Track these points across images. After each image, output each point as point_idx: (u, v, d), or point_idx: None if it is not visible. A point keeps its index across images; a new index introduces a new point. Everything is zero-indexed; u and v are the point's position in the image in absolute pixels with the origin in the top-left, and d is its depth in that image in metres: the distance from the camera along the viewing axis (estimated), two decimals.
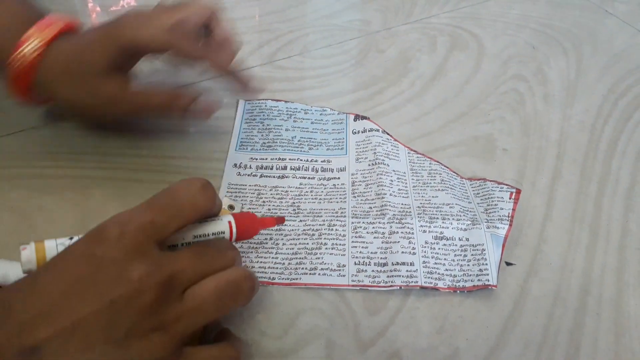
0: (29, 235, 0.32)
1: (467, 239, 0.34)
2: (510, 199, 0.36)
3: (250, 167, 0.39)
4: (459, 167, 0.42)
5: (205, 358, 0.24)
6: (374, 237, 0.34)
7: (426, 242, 0.34)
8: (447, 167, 0.40)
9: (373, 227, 0.35)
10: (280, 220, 0.31)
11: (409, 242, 0.34)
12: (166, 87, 0.39)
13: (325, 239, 0.34)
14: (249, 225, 0.28)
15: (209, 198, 0.25)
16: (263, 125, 0.43)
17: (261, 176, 0.38)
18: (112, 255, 0.22)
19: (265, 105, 0.44)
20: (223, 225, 0.27)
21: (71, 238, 0.25)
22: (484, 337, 0.31)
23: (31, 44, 0.34)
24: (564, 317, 0.33)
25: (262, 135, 0.42)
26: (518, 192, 0.37)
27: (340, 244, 0.34)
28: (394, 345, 0.31)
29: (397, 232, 0.34)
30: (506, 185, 0.38)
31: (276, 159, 0.40)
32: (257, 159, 0.39)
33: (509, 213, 0.36)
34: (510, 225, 0.35)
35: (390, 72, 0.51)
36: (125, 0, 0.57)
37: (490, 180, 0.39)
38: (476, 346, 0.31)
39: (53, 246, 0.25)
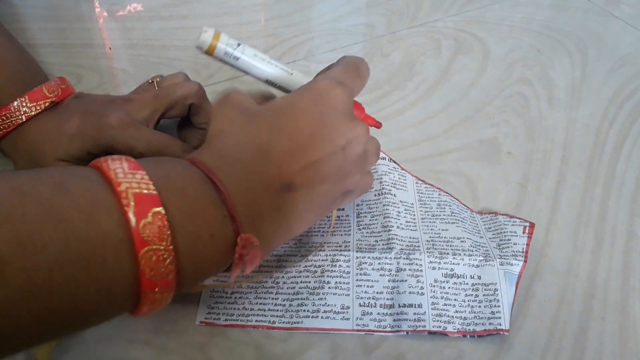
0: None
1: (479, 277, 0.33)
2: (524, 233, 0.35)
3: None
4: (465, 171, 0.42)
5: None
6: (380, 275, 0.33)
7: (435, 281, 0.33)
8: (457, 200, 0.39)
9: (379, 263, 0.33)
10: (378, 124, 0.35)
11: (417, 281, 0.32)
12: None
13: (328, 276, 0.33)
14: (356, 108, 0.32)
15: None
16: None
17: None
18: (340, 114, 0.27)
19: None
20: None
21: (239, 44, 0.37)
22: (489, 340, 0.31)
23: (13, 114, 0.33)
24: (568, 321, 0.33)
25: None
26: (532, 225, 0.35)
27: (344, 283, 0.33)
28: (399, 348, 0.31)
29: (405, 269, 0.33)
30: (519, 219, 0.37)
31: None
32: None
33: (523, 248, 0.34)
34: (525, 261, 0.33)
35: (395, 76, 0.51)
36: (132, 5, 0.58)
37: (502, 214, 0.37)
38: (480, 349, 0.31)
39: (224, 42, 0.37)
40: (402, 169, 0.40)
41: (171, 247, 0.20)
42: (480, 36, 0.58)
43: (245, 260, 0.23)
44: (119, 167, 0.20)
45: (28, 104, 0.34)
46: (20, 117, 0.34)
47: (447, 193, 0.39)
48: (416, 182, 0.40)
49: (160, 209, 0.20)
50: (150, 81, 0.39)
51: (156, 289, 0.20)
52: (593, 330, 0.32)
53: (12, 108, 0.33)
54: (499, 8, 0.63)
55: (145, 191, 0.20)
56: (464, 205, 0.39)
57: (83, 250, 0.18)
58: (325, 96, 0.27)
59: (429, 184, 0.40)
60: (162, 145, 0.35)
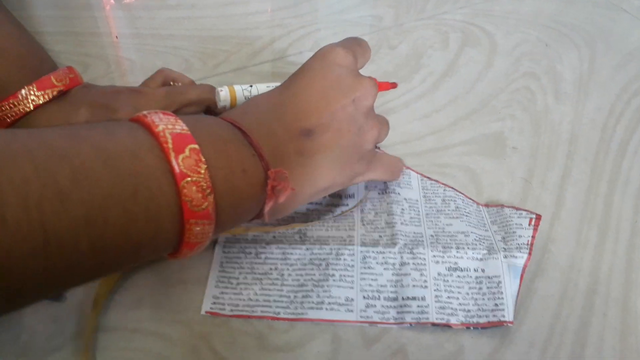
0: None
1: (483, 270, 0.33)
2: (530, 225, 0.35)
3: None
4: (469, 165, 0.42)
5: (386, 157, 0.36)
6: (384, 269, 0.33)
7: (439, 274, 0.33)
8: (462, 193, 0.39)
9: (383, 257, 0.34)
10: (394, 85, 0.38)
11: (421, 275, 0.33)
12: None
13: (332, 269, 0.33)
14: None
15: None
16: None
17: None
18: (348, 70, 0.30)
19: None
20: None
21: (251, 86, 0.39)
22: (489, 334, 0.32)
23: (21, 102, 0.33)
24: (570, 316, 0.33)
25: None
26: (538, 217, 0.35)
27: (348, 276, 0.33)
28: (399, 340, 0.31)
29: (409, 263, 0.33)
30: (525, 210, 0.37)
31: None
32: None
33: (528, 241, 0.34)
34: (530, 254, 0.33)
35: (402, 68, 0.51)
36: None
37: (508, 206, 0.37)
38: (481, 343, 0.31)
39: (240, 90, 0.39)
40: (407, 167, 0.40)
41: (208, 178, 0.22)
42: (487, 29, 0.57)
43: (278, 191, 0.26)
44: (154, 115, 0.23)
45: (36, 92, 0.34)
46: (28, 105, 0.34)
47: (452, 188, 0.39)
48: (421, 179, 0.40)
49: (195, 145, 0.22)
50: (165, 76, 0.40)
51: (197, 220, 0.22)
52: (594, 326, 0.32)
53: (19, 96, 0.33)
54: (507, 1, 0.63)
55: (180, 131, 0.22)
56: (470, 198, 0.39)
57: (131, 183, 0.20)
58: (329, 55, 0.30)
59: (433, 180, 0.40)
60: (181, 92, 0.36)
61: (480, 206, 0.38)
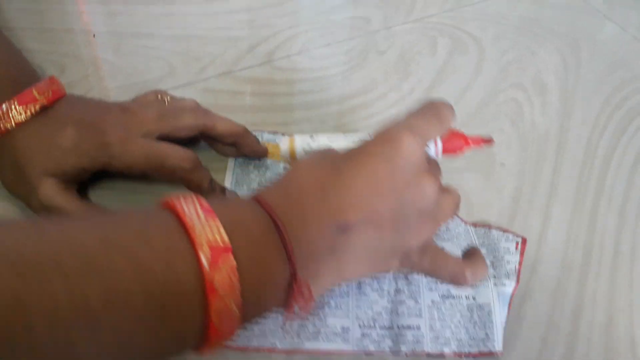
0: None
1: (474, 298, 0.34)
2: (516, 249, 0.36)
3: None
4: (459, 184, 0.41)
5: (440, 252, 0.31)
6: (379, 296, 0.33)
7: (433, 302, 0.33)
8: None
9: (378, 284, 0.34)
10: (488, 141, 0.34)
11: (415, 303, 0.33)
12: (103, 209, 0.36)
13: (327, 297, 0.33)
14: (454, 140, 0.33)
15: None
16: (260, 160, 0.41)
17: None
18: (409, 165, 0.27)
19: (262, 137, 0.42)
20: None
21: (311, 136, 0.34)
22: (483, 357, 0.32)
23: (1, 119, 0.32)
24: (557, 343, 0.34)
25: (258, 172, 0.40)
26: (524, 241, 0.36)
27: (343, 303, 0.33)
28: None
29: (404, 291, 0.33)
30: (512, 233, 0.37)
31: None
32: None
33: (515, 267, 0.35)
34: (517, 282, 0.34)
35: (390, 75, 0.50)
36: None
37: (495, 228, 0.38)
38: None
39: (300, 142, 0.34)
40: None
41: (240, 297, 0.21)
42: (475, 35, 0.57)
43: (299, 309, 0.25)
44: (194, 213, 0.22)
45: (17, 108, 0.32)
46: (9, 122, 0.32)
47: None
48: None
49: (232, 260, 0.21)
50: (158, 97, 0.37)
51: (221, 337, 0.22)
52: (579, 352, 0.34)
53: (0, 112, 0.31)
54: (494, 4, 0.62)
55: (219, 242, 0.21)
56: (459, 217, 0.39)
57: (161, 300, 0.20)
58: (394, 143, 0.26)
59: None
60: (162, 157, 0.33)
61: (468, 226, 0.39)
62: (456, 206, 0.30)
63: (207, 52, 0.50)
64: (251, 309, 0.23)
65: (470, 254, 0.34)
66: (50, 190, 0.32)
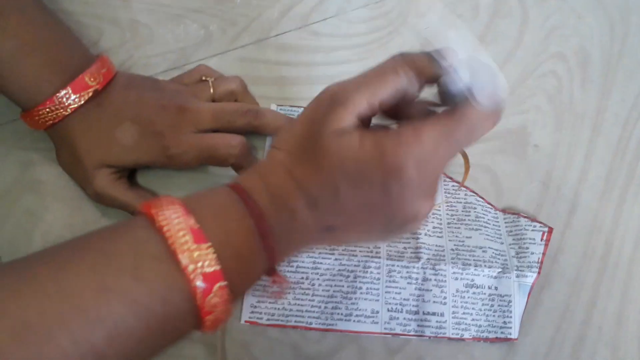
0: None
1: (496, 288, 0.36)
2: (542, 240, 0.38)
3: None
4: (490, 166, 0.43)
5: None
6: (407, 283, 0.36)
7: (457, 291, 0.36)
8: (482, 198, 0.40)
9: (407, 272, 0.36)
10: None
11: (441, 291, 0.36)
12: (151, 195, 0.37)
13: (360, 282, 0.36)
14: None
15: None
16: None
17: None
18: (405, 196, 0.25)
19: (299, 114, 0.42)
20: None
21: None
22: (497, 346, 0.36)
23: (59, 107, 0.33)
24: (569, 330, 0.37)
25: None
26: (550, 231, 0.38)
27: (374, 289, 0.36)
28: (418, 352, 0.35)
29: (430, 280, 0.36)
30: (539, 223, 0.39)
31: None
32: None
33: (538, 258, 0.37)
34: (539, 273, 0.36)
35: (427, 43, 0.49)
36: None
37: (524, 216, 0.39)
38: (489, 354, 0.35)
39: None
40: None
41: (230, 305, 0.24)
42: None
43: (274, 294, 0.29)
44: (184, 239, 0.22)
45: (72, 96, 0.33)
46: (66, 109, 0.34)
47: (473, 192, 0.41)
48: (444, 181, 0.41)
49: (223, 282, 0.23)
50: (203, 78, 0.39)
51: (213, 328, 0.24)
52: (589, 339, 0.37)
53: (56, 100, 0.33)
54: None
55: (212, 267, 0.23)
56: (489, 203, 0.41)
57: (161, 327, 0.22)
58: (398, 176, 0.24)
59: (455, 182, 0.41)
60: (213, 149, 0.36)
61: (498, 212, 0.40)
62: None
63: (242, 14, 0.48)
64: (236, 298, 0.25)
65: None
66: (106, 181, 0.34)
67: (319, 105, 0.26)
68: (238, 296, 0.26)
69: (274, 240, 0.25)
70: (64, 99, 0.33)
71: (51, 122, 0.34)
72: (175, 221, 0.23)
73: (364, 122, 0.27)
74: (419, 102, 0.29)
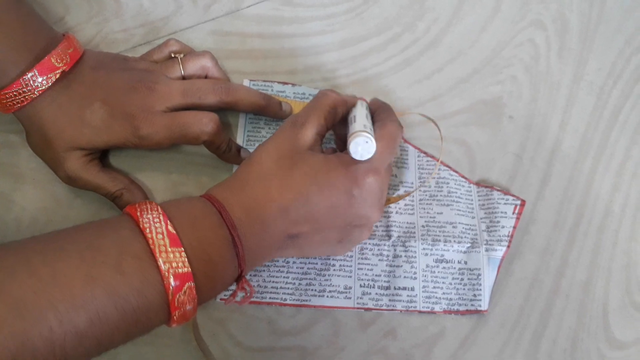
0: None
1: (466, 262, 0.37)
2: (513, 214, 0.38)
3: None
4: (465, 138, 0.43)
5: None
6: (379, 260, 0.37)
7: (427, 266, 0.37)
8: (456, 172, 0.40)
9: (378, 249, 0.37)
10: None
11: (411, 267, 0.37)
12: (123, 177, 0.37)
13: (333, 259, 0.37)
14: None
15: None
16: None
17: None
18: (364, 199, 0.31)
19: (272, 90, 0.42)
20: None
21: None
22: (467, 317, 0.37)
23: (26, 89, 0.33)
24: (538, 298, 0.38)
25: (269, 129, 0.41)
26: (522, 204, 0.39)
27: (347, 266, 0.37)
28: (391, 324, 0.36)
29: (401, 256, 0.37)
30: (512, 196, 0.39)
31: None
32: None
33: (509, 232, 0.38)
34: (509, 246, 0.37)
35: (405, 12, 0.48)
36: None
37: (497, 189, 0.40)
38: (460, 325, 0.37)
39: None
40: (405, 141, 0.41)
41: (196, 303, 0.26)
42: None
43: (240, 299, 0.31)
44: (162, 243, 0.25)
45: (38, 78, 0.33)
46: (33, 92, 0.33)
47: (447, 167, 0.41)
48: (418, 155, 0.41)
49: (192, 283, 0.26)
50: (172, 55, 0.38)
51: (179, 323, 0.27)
52: (557, 307, 0.38)
53: (22, 83, 0.33)
54: None
55: (184, 269, 0.26)
56: (463, 177, 0.41)
57: (134, 316, 0.25)
58: (359, 183, 0.31)
59: (430, 156, 0.41)
60: (184, 127, 0.35)
61: (472, 185, 0.41)
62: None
63: None
64: (205, 300, 0.28)
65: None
66: (77, 164, 0.34)
67: (284, 129, 0.32)
68: (207, 298, 0.28)
69: (244, 249, 0.29)
70: (31, 81, 0.33)
71: (19, 105, 0.33)
72: (156, 225, 0.26)
73: (321, 137, 0.33)
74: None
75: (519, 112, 0.45)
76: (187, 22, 0.45)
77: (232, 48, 0.45)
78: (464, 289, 0.37)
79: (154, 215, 0.26)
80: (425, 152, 0.41)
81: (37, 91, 0.33)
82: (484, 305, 0.36)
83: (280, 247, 0.31)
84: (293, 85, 0.43)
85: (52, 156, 0.35)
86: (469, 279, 0.37)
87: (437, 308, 0.36)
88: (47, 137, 0.34)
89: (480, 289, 0.37)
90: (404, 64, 0.46)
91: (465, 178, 0.41)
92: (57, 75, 0.34)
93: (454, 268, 0.37)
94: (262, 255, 0.31)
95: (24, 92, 0.33)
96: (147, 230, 0.25)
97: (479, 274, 0.37)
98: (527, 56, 0.48)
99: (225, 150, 0.37)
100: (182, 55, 0.39)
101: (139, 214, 0.26)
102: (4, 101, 0.33)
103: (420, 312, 0.36)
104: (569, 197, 0.42)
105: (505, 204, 0.39)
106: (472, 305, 0.36)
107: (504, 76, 0.46)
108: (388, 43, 0.46)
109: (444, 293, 0.37)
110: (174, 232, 0.26)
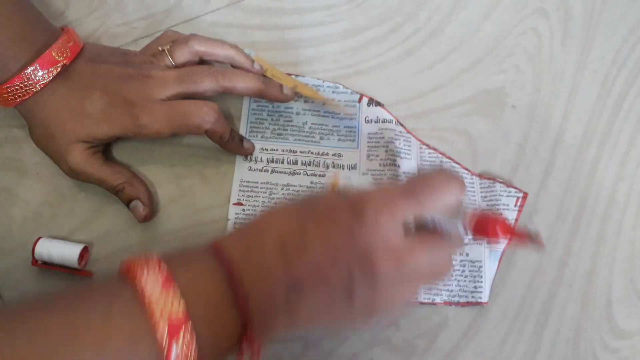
0: None
1: (467, 254, 0.37)
2: (515, 206, 0.38)
3: (262, 161, 0.39)
4: (467, 129, 0.43)
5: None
6: None
7: None
8: (458, 164, 0.40)
9: None
10: (536, 241, 0.29)
11: None
12: (126, 170, 0.37)
13: None
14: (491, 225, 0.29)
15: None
16: (273, 106, 0.41)
17: (272, 171, 0.39)
18: (366, 239, 0.26)
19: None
20: None
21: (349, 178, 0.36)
22: (470, 307, 0.37)
23: (27, 83, 0.33)
24: (540, 288, 0.38)
25: (272, 120, 0.41)
26: (525, 196, 0.38)
27: None
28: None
29: None
30: (514, 188, 0.39)
31: (287, 150, 0.40)
32: (267, 150, 0.40)
33: (511, 224, 0.37)
34: (510, 239, 0.36)
35: (406, 2, 0.48)
36: None
37: (500, 181, 0.40)
38: (463, 314, 0.37)
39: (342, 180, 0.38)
40: (408, 131, 0.41)
41: (197, 356, 0.23)
42: None
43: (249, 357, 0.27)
44: (154, 286, 0.23)
45: (40, 72, 0.33)
46: (34, 86, 0.33)
47: (449, 159, 0.41)
48: (420, 147, 0.41)
49: (190, 332, 0.23)
50: (160, 48, 0.38)
51: None
52: (559, 297, 0.38)
53: (24, 77, 0.33)
54: None
55: (179, 314, 0.23)
56: (465, 169, 0.41)
57: None
58: (363, 221, 0.26)
59: (432, 149, 0.41)
60: (185, 116, 0.35)
61: (474, 177, 0.41)
62: (432, 281, 0.31)
63: None
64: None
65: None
66: (80, 157, 0.34)
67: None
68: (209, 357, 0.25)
69: (247, 305, 0.26)
70: (32, 75, 0.33)
71: (20, 99, 0.34)
72: (151, 271, 0.24)
73: None
74: None
75: (521, 101, 0.44)
76: (188, 14, 0.45)
77: (233, 40, 0.44)
78: (465, 280, 0.37)
79: (149, 265, 0.24)
80: (427, 145, 0.41)
81: (39, 85, 0.33)
82: (484, 297, 0.36)
83: (285, 303, 0.26)
84: (296, 76, 0.43)
85: (55, 149, 0.35)
86: (470, 271, 0.37)
87: (437, 299, 0.36)
88: (49, 130, 0.34)
89: (481, 281, 0.37)
90: (405, 54, 0.45)
91: (468, 170, 0.41)
92: (58, 69, 0.34)
93: (456, 260, 0.37)
94: (268, 304, 0.26)
95: (25, 86, 0.33)
96: (139, 277, 0.24)
97: (480, 266, 0.37)
98: (530, 45, 0.47)
99: (228, 140, 0.37)
100: (168, 47, 0.38)
101: (134, 275, 0.24)
102: (6, 95, 0.33)
103: (421, 303, 0.36)
104: (572, 187, 0.42)
105: (507, 196, 0.39)
106: (472, 297, 0.36)
107: (507, 65, 0.46)
108: (389, 33, 0.46)
109: (444, 284, 0.37)
110: (168, 273, 0.24)
